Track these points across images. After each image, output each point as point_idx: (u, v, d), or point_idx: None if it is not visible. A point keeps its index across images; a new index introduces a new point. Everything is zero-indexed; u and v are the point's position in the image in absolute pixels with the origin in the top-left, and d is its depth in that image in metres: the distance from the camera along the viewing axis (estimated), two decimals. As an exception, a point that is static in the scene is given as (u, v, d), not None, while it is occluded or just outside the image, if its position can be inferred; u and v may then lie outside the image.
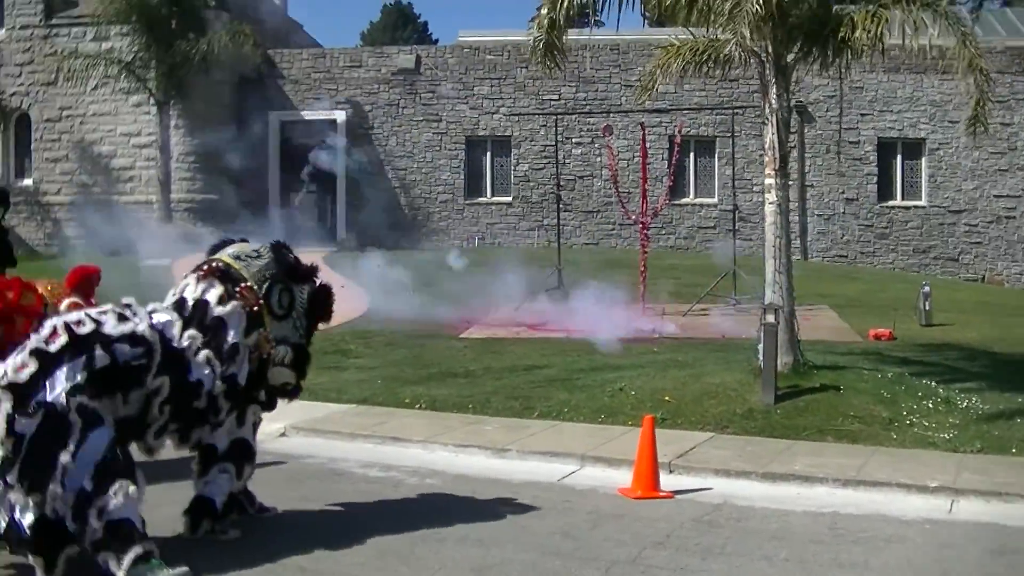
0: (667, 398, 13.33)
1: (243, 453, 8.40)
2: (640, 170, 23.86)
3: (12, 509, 6.89)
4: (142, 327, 7.60)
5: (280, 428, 12.21)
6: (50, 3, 36.75)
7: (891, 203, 36.17)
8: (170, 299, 8.21)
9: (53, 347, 7.12)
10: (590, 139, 35.91)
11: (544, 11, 14.51)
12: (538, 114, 34.93)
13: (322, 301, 8.85)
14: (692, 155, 36.17)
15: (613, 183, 26.34)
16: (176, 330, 7.84)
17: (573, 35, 15.68)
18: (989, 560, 8.15)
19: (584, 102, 36.13)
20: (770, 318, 13.17)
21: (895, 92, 35.69)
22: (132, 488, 7.05)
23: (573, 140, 36.07)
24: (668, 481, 10.14)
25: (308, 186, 35.25)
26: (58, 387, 7.00)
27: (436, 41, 68.44)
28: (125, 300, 7.97)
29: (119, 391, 7.35)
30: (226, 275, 8.24)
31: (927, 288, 20.76)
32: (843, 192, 35.97)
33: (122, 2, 33.76)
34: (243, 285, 8.20)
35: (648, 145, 24.53)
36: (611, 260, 28.51)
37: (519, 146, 36.80)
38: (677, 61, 15.51)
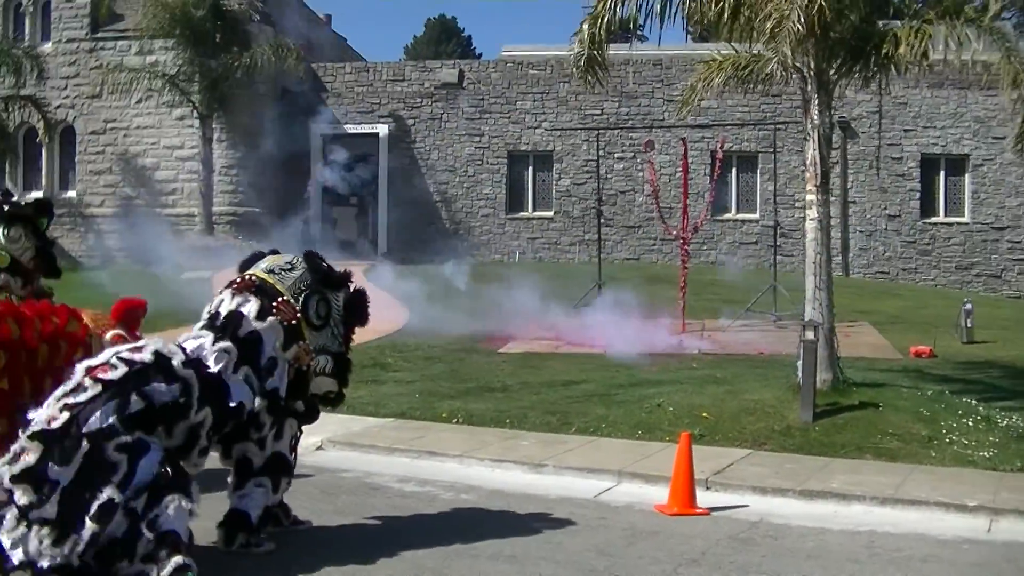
0: (705, 414, 13.31)
1: (280, 467, 8.44)
2: (682, 185, 23.78)
3: (35, 552, 6.81)
4: (176, 362, 7.59)
5: (317, 441, 12.26)
6: (96, 17, 37.05)
7: (934, 219, 35.81)
8: (205, 316, 8.26)
9: (83, 396, 7.14)
10: (632, 154, 35.79)
11: (586, 26, 14.55)
12: (580, 129, 34.82)
13: (358, 307, 8.89)
14: (734, 170, 35.97)
15: (654, 198, 26.26)
16: (210, 356, 7.86)
17: (616, 50, 15.68)
18: (1028, 581, 8.08)
19: (626, 117, 36.04)
20: (810, 335, 13.12)
21: (939, 108, 35.33)
22: (185, 502, 7.12)
23: (615, 155, 35.98)
24: (704, 498, 10.11)
25: (349, 199, 35.44)
26: (92, 433, 7.01)
27: (480, 55, 68.69)
28: (154, 341, 7.91)
29: (161, 427, 7.38)
30: (261, 290, 8.29)
31: (968, 305, 20.56)
32: (885, 208, 35.67)
33: (166, 16, 34.03)
34: (280, 300, 8.24)
35: (690, 160, 24.47)
36: (652, 275, 28.43)
37: (561, 161, 36.74)
38: (719, 75, 15.52)
